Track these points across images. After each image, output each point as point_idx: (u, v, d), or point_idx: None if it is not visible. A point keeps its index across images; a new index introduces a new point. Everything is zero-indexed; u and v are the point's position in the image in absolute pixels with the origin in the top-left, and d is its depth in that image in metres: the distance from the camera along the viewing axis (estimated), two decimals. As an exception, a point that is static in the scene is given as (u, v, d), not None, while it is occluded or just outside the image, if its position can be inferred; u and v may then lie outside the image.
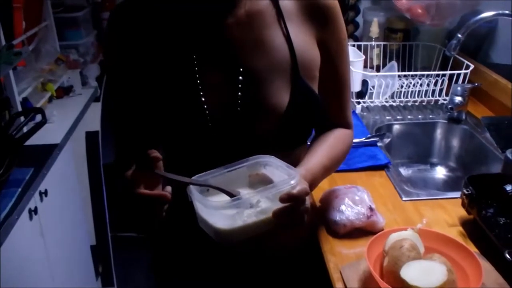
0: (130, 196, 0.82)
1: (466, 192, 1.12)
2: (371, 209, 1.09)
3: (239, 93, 0.92)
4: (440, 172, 1.75)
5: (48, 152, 1.76)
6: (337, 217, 1.08)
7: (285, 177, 0.84)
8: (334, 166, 1.06)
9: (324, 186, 1.21)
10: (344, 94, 1.07)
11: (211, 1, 0.92)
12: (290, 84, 0.94)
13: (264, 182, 0.87)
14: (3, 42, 1.67)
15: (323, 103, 1.02)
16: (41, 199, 1.67)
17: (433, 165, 1.77)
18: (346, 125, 1.10)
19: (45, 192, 1.69)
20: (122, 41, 0.95)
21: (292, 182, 0.82)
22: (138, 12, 0.94)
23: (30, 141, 1.58)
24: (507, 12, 1.60)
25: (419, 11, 1.91)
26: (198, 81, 0.92)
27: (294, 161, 0.98)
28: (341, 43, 1.02)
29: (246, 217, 0.82)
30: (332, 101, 1.06)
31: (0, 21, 1.68)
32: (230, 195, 0.85)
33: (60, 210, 1.91)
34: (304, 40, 0.96)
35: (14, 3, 1.81)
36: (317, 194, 1.20)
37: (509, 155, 1.16)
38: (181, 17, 0.93)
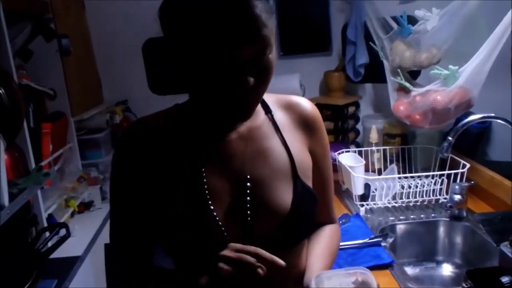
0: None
1: (466, 287, 1.17)
2: (375, 307, 1.14)
3: (248, 198, 1.01)
4: (447, 269, 1.76)
5: (70, 264, 1.83)
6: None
7: None
8: (333, 262, 1.15)
9: None
10: (328, 192, 1.18)
11: (228, 119, 1.00)
12: (291, 184, 1.04)
13: None
14: (33, 165, 1.81)
15: None
16: (63, 311, 1.71)
17: (439, 262, 1.79)
18: (332, 220, 1.21)
19: (67, 303, 1.74)
20: (133, 158, 1.02)
21: None
22: (149, 130, 1.02)
23: (54, 254, 1.66)
24: (492, 114, 1.68)
25: (417, 117, 1.98)
26: (207, 192, 0.99)
27: (295, 257, 1.06)
28: (325, 147, 1.15)
29: None
30: (319, 199, 1.14)
31: (30, 145, 1.84)
32: None
33: (80, 322, 1.93)
34: (298, 147, 1.08)
35: (43, 129, 2.01)
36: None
37: (503, 248, 1.21)
38: (189, 134, 1.03)
